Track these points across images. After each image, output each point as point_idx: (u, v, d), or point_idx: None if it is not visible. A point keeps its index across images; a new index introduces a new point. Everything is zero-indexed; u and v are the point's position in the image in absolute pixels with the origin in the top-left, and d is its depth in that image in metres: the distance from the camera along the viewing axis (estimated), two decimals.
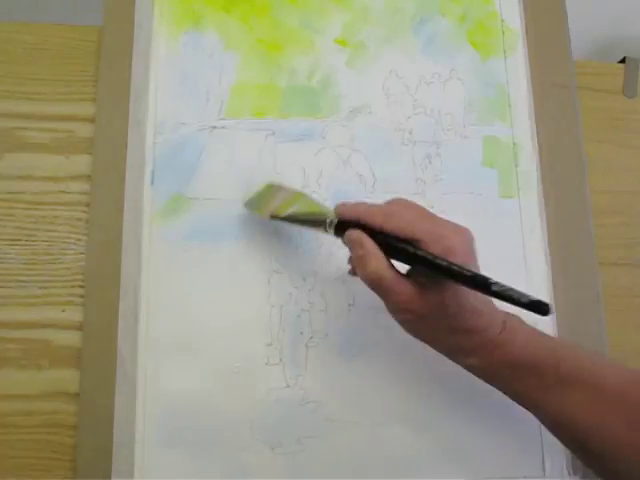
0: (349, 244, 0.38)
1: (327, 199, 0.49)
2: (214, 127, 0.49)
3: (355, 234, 0.37)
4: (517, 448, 0.46)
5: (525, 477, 0.45)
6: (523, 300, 0.31)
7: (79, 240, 0.47)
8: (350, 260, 0.42)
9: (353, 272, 0.42)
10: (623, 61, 0.57)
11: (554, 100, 0.52)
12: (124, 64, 0.49)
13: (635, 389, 0.35)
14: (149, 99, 0.49)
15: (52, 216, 0.48)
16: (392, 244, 0.36)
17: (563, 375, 0.36)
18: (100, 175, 0.47)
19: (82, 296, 0.46)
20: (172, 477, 0.43)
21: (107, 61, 0.49)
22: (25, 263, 0.47)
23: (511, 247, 0.49)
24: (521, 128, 0.52)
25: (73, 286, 0.46)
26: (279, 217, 0.43)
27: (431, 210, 0.38)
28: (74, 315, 0.46)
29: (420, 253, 0.35)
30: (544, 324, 0.48)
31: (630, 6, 0.73)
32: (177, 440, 0.44)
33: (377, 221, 0.37)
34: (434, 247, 0.35)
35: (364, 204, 0.38)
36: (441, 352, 0.39)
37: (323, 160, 0.50)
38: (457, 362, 0.38)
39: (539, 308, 0.31)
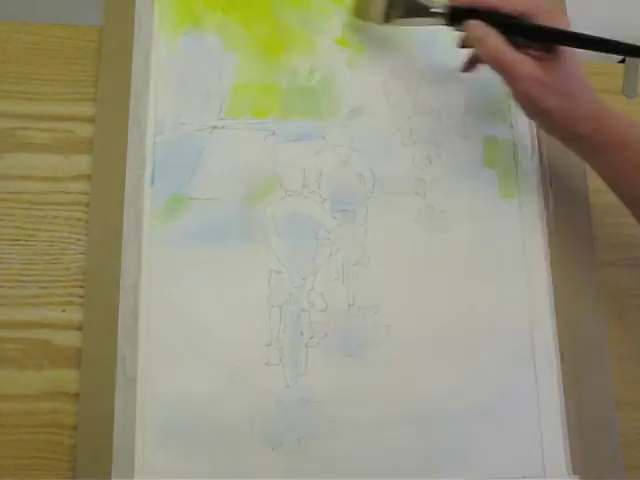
0: (468, 31, 0.44)
1: (327, 199, 0.49)
2: (214, 127, 0.49)
3: (473, 22, 0.43)
4: (517, 448, 0.46)
5: (525, 477, 0.45)
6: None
7: (79, 240, 0.47)
8: (462, 44, 0.47)
9: (466, 67, 0.49)
10: (623, 61, 0.57)
11: None
12: (124, 64, 0.49)
13: None
14: (149, 99, 0.49)
15: (52, 216, 0.48)
16: (509, 22, 0.42)
17: None
18: (100, 175, 0.47)
19: (82, 296, 0.46)
20: (172, 477, 0.43)
21: (107, 61, 0.49)
22: (25, 263, 0.47)
23: (511, 247, 0.49)
24: (521, 128, 0.52)
25: (73, 286, 0.46)
26: (389, 22, 0.48)
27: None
28: (74, 315, 0.46)
29: (541, 25, 0.41)
30: (543, 324, 0.48)
31: (630, 7, 0.73)
32: (177, 440, 0.44)
33: (491, 2, 0.43)
34: (547, 20, 0.41)
35: None
36: (551, 124, 0.43)
37: (323, 160, 0.50)
38: (565, 133, 0.43)
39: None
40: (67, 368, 0.45)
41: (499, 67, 0.42)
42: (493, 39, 0.42)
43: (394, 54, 0.53)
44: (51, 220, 0.48)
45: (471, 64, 0.49)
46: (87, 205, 0.47)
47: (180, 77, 0.50)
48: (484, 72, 0.46)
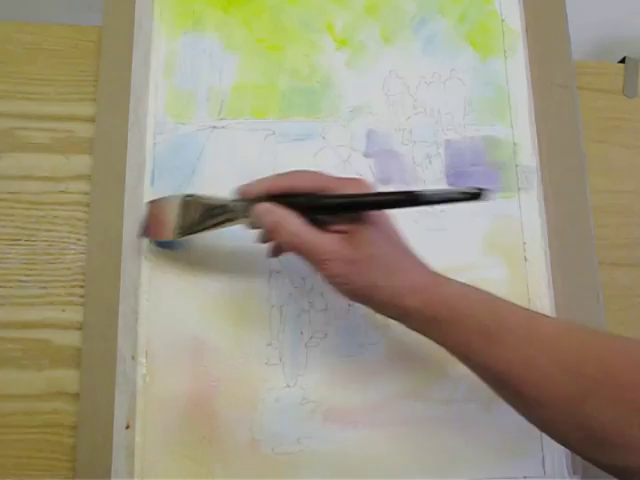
0: (259, 218, 0.37)
1: None
2: (214, 127, 0.49)
3: (263, 205, 0.37)
4: (517, 448, 0.46)
5: (525, 477, 0.45)
6: (456, 193, 0.32)
7: (79, 240, 0.47)
8: (262, 238, 0.41)
9: (272, 252, 0.42)
10: (623, 61, 0.57)
11: (554, 100, 0.52)
12: (124, 64, 0.49)
13: (570, 334, 0.34)
14: (149, 99, 0.49)
15: (52, 216, 0.48)
16: (301, 201, 0.36)
17: (500, 320, 0.34)
18: (100, 175, 0.47)
19: (82, 296, 0.46)
20: (172, 477, 0.43)
21: (107, 61, 0.49)
22: (25, 263, 0.47)
23: (511, 247, 0.49)
24: (521, 128, 0.52)
25: (73, 286, 0.46)
26: (185, 233, 0.41)
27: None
28: (74, 315, 0.46)
29: (341, 196, 0.35)
30: None
31: (630, 6, 0.73)
32: (177, 440, 0.44)
33: (284, 184, 0.37)
34: (342, 189, 0.36)
35: (264, 179, 0.38)
36: (375, 302, 0.36)
37: (323, 160, 0.50)
38: (393, 309, 0.36)
39: (475, 195, 0.31)
40: (67, 368, 0.45)
41: (301, 252, 0.36)
42: (288, 221, 0.36)
43: (394, 54, 0.53)
44: (51, 220, 0.48)
45: (277, 250, 0.42)
46: (87, 205, 0.47)
47: (180, 77, 0.50)
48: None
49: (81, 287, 0.46)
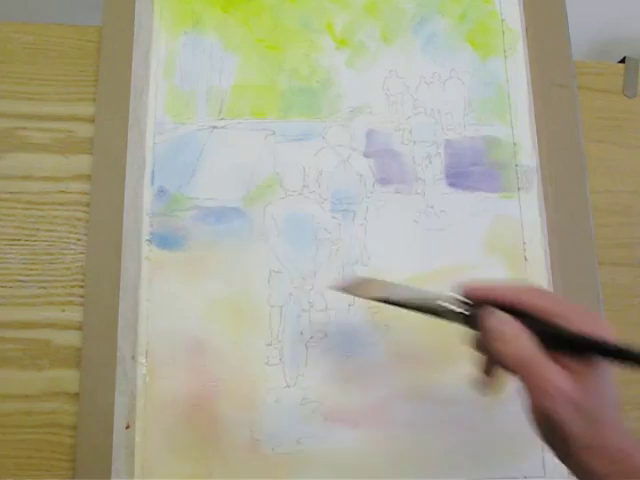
0: (490, 321, 0.34)
1: (327, 199, 0.49)
2: (214, 127, 0.49)
3: (498, 313, 0.34)
4: (517, 448, 0.46)
5: (525, 477, 0.45)
6: None
7: (79, 240, 0.47)
8: (476, 343, 0.37)
9: (485, 382, 0.38)
10: (623, 61, 0.57)
11: (554, 100, 0.52)
12: (124, 64, 0.49)
13: None
14: (149, 99, 0.49)
15: (52, 216, 0.48)
16: (543, 327, 0.33)
17: None
18: (100, 175, 0.47)
19: (82, 296, 0.46)
20: (171, 477, 0.43)
21: (107, 61, 0.49)
22: (25, 263, 0.47)
23: (511, 247, 0.49)
24: (521, 128, 0.52)
25: (73, 286, 0.46)
26: (390, 301, 0.38)
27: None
28: (74, 315, 0.46)
29: (585, 335, 0.32)
30: None
31: (630, 7, 0.73)
32: (176, 440, 0.44)
33: (513, 296, 0.34)
34: (584, 325, 0.32)
35: (494, 284, 0.35)
36: (573, 450, 0.33)
37: (323, 160, 0.50)
38: (582, 466, 0.33)
39: None
40: (67, 368, 0.45)
41: (525, 373, 0.33)
42: (523, 338, 0.33)
43: (394, 54, 0.53)
44: (51, 220, 0.48)
45: (487, 373, 0.38)
46: (87, 205, 0.47)
47: (180, 77, 0.50)
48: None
49: (81, 287, 0.46)
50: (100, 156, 0.48)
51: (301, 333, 0.46)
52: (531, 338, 0.33)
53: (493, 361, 0.37)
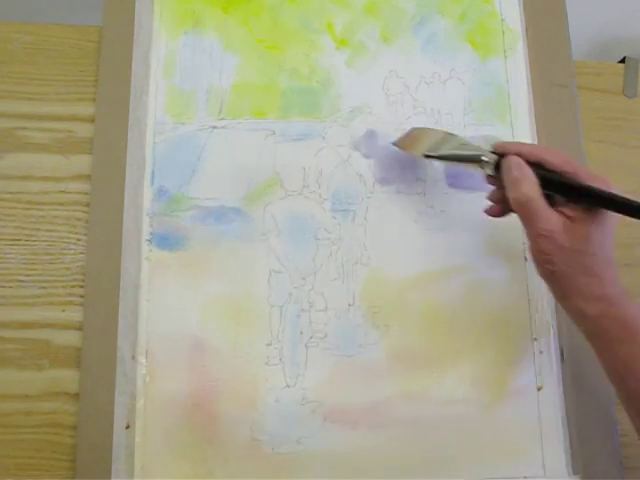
0: (508, 168, 0.40)
1: (327, 199, 0.49)
2: (214, 127, 0.49)
3: (517, 159, 0.40)
4: (517, 448, 0.46)
5: (525, 477, 0.45)
6: None
7: (79, 240, 0.47)
8: (491, 195, 0.44)
9: (493, 212, 0.44)
10: (623, 61, 0.57)
11: (554, 100, 0.52)
12: (124, 64, 0.49)
13: None
14: (149, 99, 0.49)
15: (52, 216, 0.48)
16: (551, 177, 0.39)
17: None
18: (100, 175, 0.47)
19: (82, 296, 0.46)
20: (172, 477, 0.43)
21: (107, 61, 0.49)
22: (25, 263, 0.47)
23: (511, 247, 0.49)
24: (521, 128, 0.52)
25: (73, 286, 0.46)
26: (433, 156, 0.46)
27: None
28: (74, 315, 0.46)
29: (584, 183, 0.38)
30: (543, 323, 0.48)
31: (630, 7, 0.73)
32: (177, 440, 0.44)
33: (538, 153, 0.40)
34: (588, 180, 0.38)
35: (523, 143, 0.44)
36: (561, 292, 0.39)
37: (323, 160, 0.50)
38: (572, 306, 0.38)
39: None
40: (67, 368, 0.45)
41: (524, 215, 0.39)
42: (528, 184, 0.39)
43: (394, 54, 0.53)
44: (51, 220, 0.48)
45: (503, 208, 0.44)
46: (87, 205, 0.47)
47: (180, 77, 0.50)
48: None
49: (81, 287, 0.46)
50: (100, 156, 0.48)
51: (301, 333, 0.46)
52: (536, 184, 0.38)
53: (506, 207, 0.43)
